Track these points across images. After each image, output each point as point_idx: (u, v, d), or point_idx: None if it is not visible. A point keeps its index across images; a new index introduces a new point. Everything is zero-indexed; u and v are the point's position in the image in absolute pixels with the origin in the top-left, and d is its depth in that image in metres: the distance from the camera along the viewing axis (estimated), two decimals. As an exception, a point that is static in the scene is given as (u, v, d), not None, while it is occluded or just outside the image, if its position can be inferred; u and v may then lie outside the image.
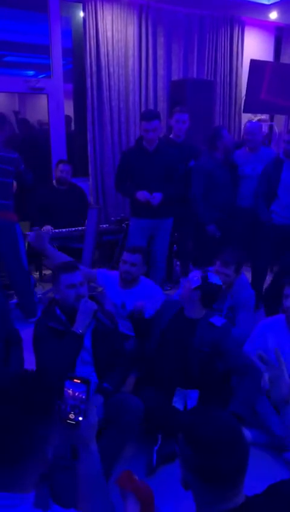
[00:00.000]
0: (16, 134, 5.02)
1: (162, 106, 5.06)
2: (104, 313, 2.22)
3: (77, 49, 4.89)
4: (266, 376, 1.30)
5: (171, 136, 3.97)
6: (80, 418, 1.17)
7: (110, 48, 4.66)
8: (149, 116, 3.43)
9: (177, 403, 2.24)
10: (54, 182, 4.30)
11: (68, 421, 1.17)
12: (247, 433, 2.23)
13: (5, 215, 3.25)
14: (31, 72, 5.34)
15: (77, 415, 1.17)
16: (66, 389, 1.19)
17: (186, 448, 1.06)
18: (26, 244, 3.57)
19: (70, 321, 2.09)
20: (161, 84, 5.05)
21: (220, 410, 1.16)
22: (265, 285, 3.72)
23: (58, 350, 1.98)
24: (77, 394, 1.18)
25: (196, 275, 2.32)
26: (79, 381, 1.19)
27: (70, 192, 4.28)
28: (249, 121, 4.39)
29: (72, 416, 1.17)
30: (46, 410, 0.98)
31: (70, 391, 1.19)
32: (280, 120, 5.87)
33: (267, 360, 1.33)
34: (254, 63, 4.95)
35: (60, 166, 4.20)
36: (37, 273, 4.45)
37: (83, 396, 1.18)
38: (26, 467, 0.94)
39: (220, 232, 3.76)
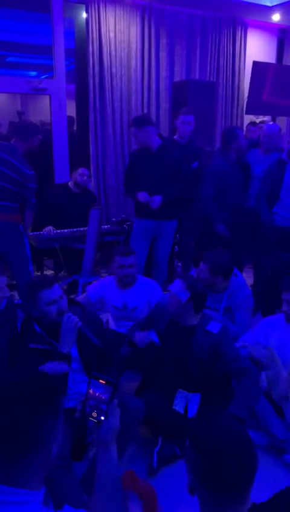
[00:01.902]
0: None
1: (164, 107, 5.07)
2: (87, 321, 2.10)
3: (79, 49, 4.90)
4: (264, 376, 1.32)
5: (175, 137, 3.98)
6: (102, 418, 1.17)
7: (112, 49, 4.66)
8: (136, 122, 3.44)
9: (178, 406, 2.23)
10: (68, 183, 4.30)
11: (91, 418, 1.17)
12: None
13: (12, 217, 3.29)
14: (34, 73, 5.36)
15: (99, 414, 1.17)
16: (88, 389, 1.19)
17: (194, 456, 1.05)
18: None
19: (52, 335, 1.98)
20: (163, 85, 5.05)
21: (229, 417, 1.14)
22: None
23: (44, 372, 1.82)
24: (97, 395, 1.18)
25: (180, 287, 2.26)
26: (104, 382, 1.19)
27: (83, 197, 4.27)
28: (261, 123, 4.39)
29: (94, 414, 1.17)
30: (51, 407, 1.00)
31: (90, 391, 1.19)
32: (282, 122, 5.87)
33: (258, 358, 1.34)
34: (256, 64, 4.95)
35: (80, 170, 4.18)
36: (39, 273, 4.45)
37: (103, 397, 1.17)
38: (31, 462, 0.96)
39: (229, 232, 3.75)
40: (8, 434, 0.94)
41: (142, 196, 3.49)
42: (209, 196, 3.70)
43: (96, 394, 1.18)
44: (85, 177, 4.19)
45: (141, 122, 3.44)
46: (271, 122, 5.08)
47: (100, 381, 1.19)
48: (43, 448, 0.97)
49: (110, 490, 1.16)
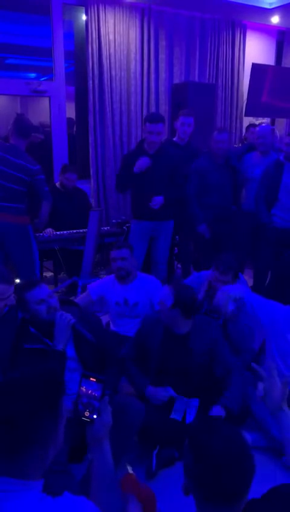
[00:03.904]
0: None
1: (163, 109, 5.07)
2: (84, 321, 2.11)
3: (79, 51, 4.92)
4: (261, 386, 1.38)
5: (174, 139, 3.98)
6: (95, 416, 1.19)
7: (112, 51, 4.67)
8: (154, 118, 3.43)
9: (177, 412, 2.22)
10: (56, 184, 4.31)
11: (83, 418, 1.19)
12: (247, 436, 2.22)
13: (19, 219, 3.29)
14: (33, 75, 5.36)
15: (91, 412, 1.19)
16: (80, 387, 1.21)
17: (192, 462, 1.05)
18: None
19: (46, 335, 2.01)
20: (162, 87, 5.06)
21: (229, 426, 1.14)
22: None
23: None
24: (90, 392, 1.21)
25: (167, 293, 2.24)
26: (94, 380, 1.22)
27: (73, 196, 4.28)
28: (260, 124, 4.39)
29: (87, 413, 1.19)
30: (51, 406, 1.02)
31: (83, 389, 1.21)
32: (281, 124, 5.88)
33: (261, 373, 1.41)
34: (255, 66, 4.96)
35: (67, 175, 4.20)
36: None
37: (96, 394, 1.20)
38: (28, 458, 0.98)
39: (216, 234, 3.76)
40: (6, 427, 0.96)
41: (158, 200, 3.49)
42: (192, 194, 3.72)
43: (89, 391, 1.21)
44: (71, 181, 4.22)
45: (160, 119, 3.45)
46: (264, 123, 5.09)
47: (91, 379, 1.22)
48: (42, 444, 0.99)
49: (106, 487, 1.18)
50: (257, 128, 4.01)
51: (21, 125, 3.24)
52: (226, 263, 2.70)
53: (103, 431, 1.20)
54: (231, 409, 2.11)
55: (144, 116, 4.88)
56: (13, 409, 0.97)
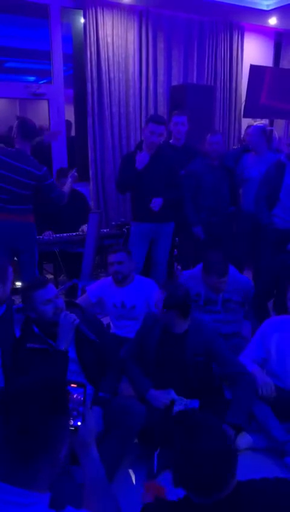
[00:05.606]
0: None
1: (162, 111, 5.08)
2: (87, 322, 2.13)
3: (77, 54, 4.92)
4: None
5: (171, 141, 3.99)
6: (79, 423, 1.18)
7: (110, 54, 4.68)
8: (159, 119, 3.45)
9: None
10: None
11: None
12: (248, 438, 2.22)
13: (26, 218, 3.33)
14: (32, 78, 5.38)
15: (75, 418, 1.18)
16: None
17: (176, 458, 1.11)
18: None
19: (49, 336, 2.02)
20: (161, 89, 5.07)
21: (214, 424, 1.18)
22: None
23: (44, 371, 1.88)
24: (75, 396, 1.20)
25: (160, 298, 2.26)
26: (75, 385, 1.22)
27: (71, 198, 4.28)
28: (253, 125, 4.41)
29: (70, 422, 1.18)
30: (61, 409, 1.03)
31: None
32: (280, 125, 5.89)
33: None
34: (253, 68, 4.97)
35: (61, 180, 4.19)
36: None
37: (81, 398, 1.20)
38: (41, 465, 0.98)
39: (214, 235, 3.77)
40: (19, 435, 0.96)
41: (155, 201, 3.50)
42: (187, 197, 3.74)
43: (74, 396, 1.21)
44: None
45: (164, 121, 3.47)
46: (262, 124, 5.10)
47: (71, 385, 1.22)
48: (53, 451, 1.00)
49: (99, 491, 1.18)
50: (249, 129, 4.04)
51: (24, 127, 3.26)
52: (220, 266, 2.75)
53: (89, 436, 1.20)
54: (239, 424, 2.07)
55: (142, 118, 4.91)
56: (24, 414, 0.97)
